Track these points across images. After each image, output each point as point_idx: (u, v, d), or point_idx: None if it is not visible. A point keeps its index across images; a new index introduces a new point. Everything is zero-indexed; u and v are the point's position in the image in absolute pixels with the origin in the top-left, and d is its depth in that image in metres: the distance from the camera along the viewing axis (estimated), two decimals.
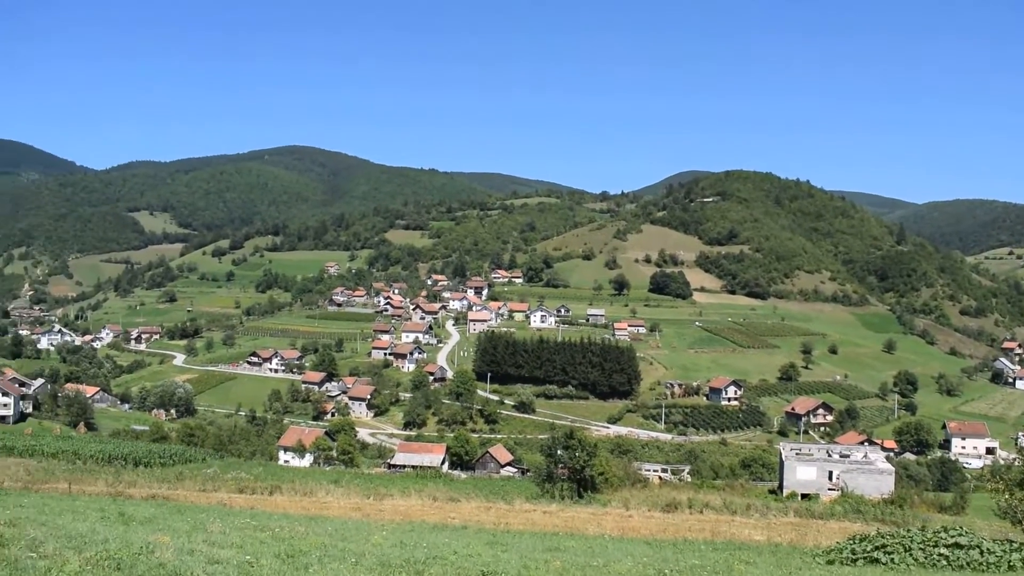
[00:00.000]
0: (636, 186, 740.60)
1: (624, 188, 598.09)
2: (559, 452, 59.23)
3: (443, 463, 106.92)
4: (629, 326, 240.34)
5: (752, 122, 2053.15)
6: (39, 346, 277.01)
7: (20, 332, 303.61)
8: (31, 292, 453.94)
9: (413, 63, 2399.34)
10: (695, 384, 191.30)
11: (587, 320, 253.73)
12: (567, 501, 48.21)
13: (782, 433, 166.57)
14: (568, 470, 57.51)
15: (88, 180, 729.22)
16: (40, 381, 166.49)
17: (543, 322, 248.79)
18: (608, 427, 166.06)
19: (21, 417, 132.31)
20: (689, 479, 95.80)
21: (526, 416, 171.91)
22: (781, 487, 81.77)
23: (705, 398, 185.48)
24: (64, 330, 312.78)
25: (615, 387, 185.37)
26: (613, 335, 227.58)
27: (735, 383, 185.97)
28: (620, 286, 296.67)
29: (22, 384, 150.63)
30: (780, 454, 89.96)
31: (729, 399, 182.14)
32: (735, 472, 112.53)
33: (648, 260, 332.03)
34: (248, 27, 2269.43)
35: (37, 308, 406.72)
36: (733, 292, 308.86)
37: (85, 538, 15.22)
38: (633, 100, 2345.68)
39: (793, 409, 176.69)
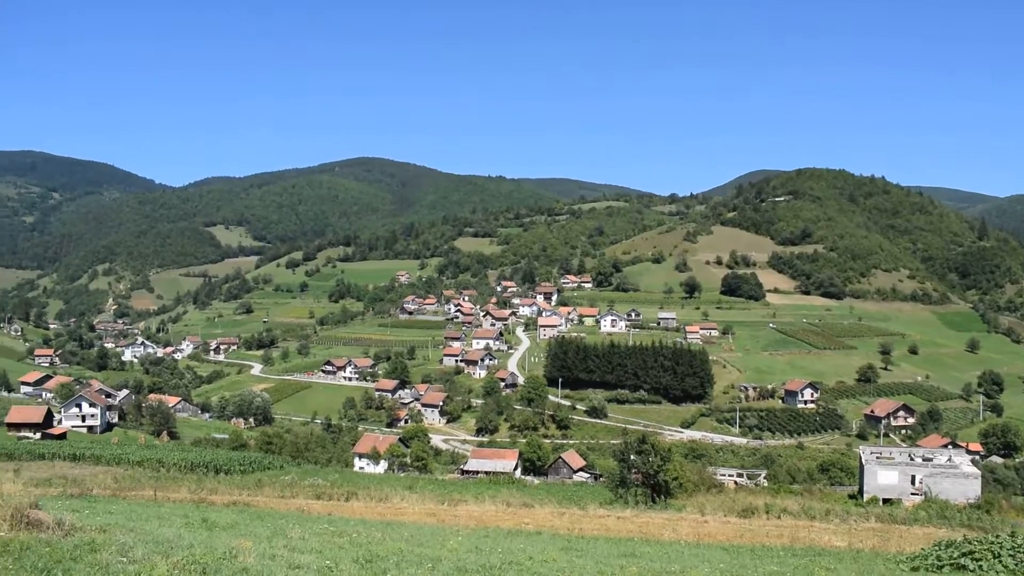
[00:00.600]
0: (705, 187, 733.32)
1: (693, 190, 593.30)
2: (632, 457, 58.71)
3: (516, 469, 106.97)
4: (701, 329, 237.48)
5: (824, 120, 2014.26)
6: (123, 358, 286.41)
7: (105, 345, 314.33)
8: (115, 306, 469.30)
9: (480, 72, 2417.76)
10: (770, 387, 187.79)
11: (658, 324, 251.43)
12: (641, 506, 47.80)
13: (861, 436, 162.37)
14: (642, 475, 57.00)
15: (166, 197, 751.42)
16: (125, 392, 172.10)
17: (613, 326, 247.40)
18: (681, 432, 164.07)
19: (108, 427, 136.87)
20: (765, 484, 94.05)
21: (598, 421, 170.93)
22: (861, 492, 79.66)
23: (780, 401, 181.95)
24: (147, 342, 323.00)
25: (688, 391, 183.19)
26: (685, 338, 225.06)
27: (811, 385, 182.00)
28: (691, 289, 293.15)
29: (108, 395, 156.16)
30: (860, 458, 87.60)
31: (805, 402, 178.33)
32: (813, 477, 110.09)
33: (719, 262, 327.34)
34: (316, 39, 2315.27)
35: (121, 322, 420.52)
36: (807, 292, 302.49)
37: (171, 543, 15.71)
38: (701, 102, 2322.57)
39: (872, 412, 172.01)
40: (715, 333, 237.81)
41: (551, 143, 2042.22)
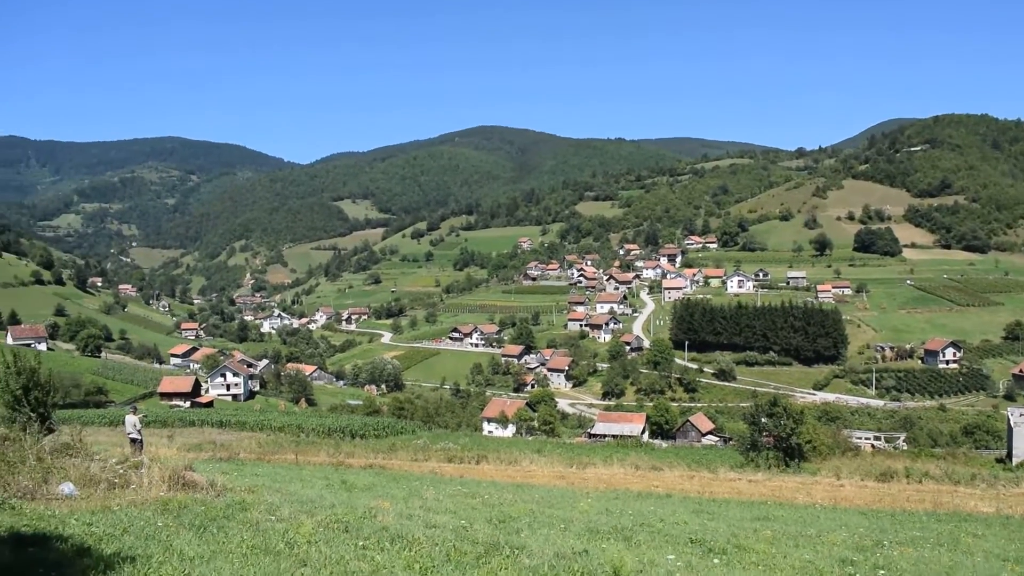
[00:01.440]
0: (834, 140, 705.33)
1: (821, 143, 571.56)
2: (763, 420, 57.45)
3: (643, 432, 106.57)
4: (833, 287, 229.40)
5: (963, 60, 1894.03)
6: (262, 330, 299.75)
7: (245, 318, 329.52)
8: (252, 281, 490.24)
9: (599, 37, 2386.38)
10: (908, 346, 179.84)
11: (787, 283, 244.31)
12: (773, 470, 46.85)
13: (1009, 397, 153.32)
14: (773, 438, 55.75)
15: (295, 174, 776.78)
16: (265, 362, 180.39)
17: (740, 287, 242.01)
18: (814, 394, 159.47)
19: (250, 395, 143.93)
20: (905, 447, 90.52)
21: (726, 384, 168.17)
22: (1010, 455, 75.56)
23: (920, 361, 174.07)
24: (283, 314, 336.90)
25: (820, 352, 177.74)
26: (816, 298, 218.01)
27: (954, 344, 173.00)
28: (821, 246, 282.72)
29: (250, 365, 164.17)
30: (1008, 420, 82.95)
31: (947, 362, 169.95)
32: (956, 440, 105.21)
33: (851, 217, 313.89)
34: (436, 14, 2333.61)
35: (258, 295, 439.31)
36: (948, 247, 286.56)
37: (315, 503, 16.50)
38: (827, 52, 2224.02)
39: (1021, 371, 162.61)
40: (848, 291, 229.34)
41: (672, 103, 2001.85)
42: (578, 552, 12.83)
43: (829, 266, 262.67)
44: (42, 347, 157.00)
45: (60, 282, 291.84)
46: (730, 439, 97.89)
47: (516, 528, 15.90)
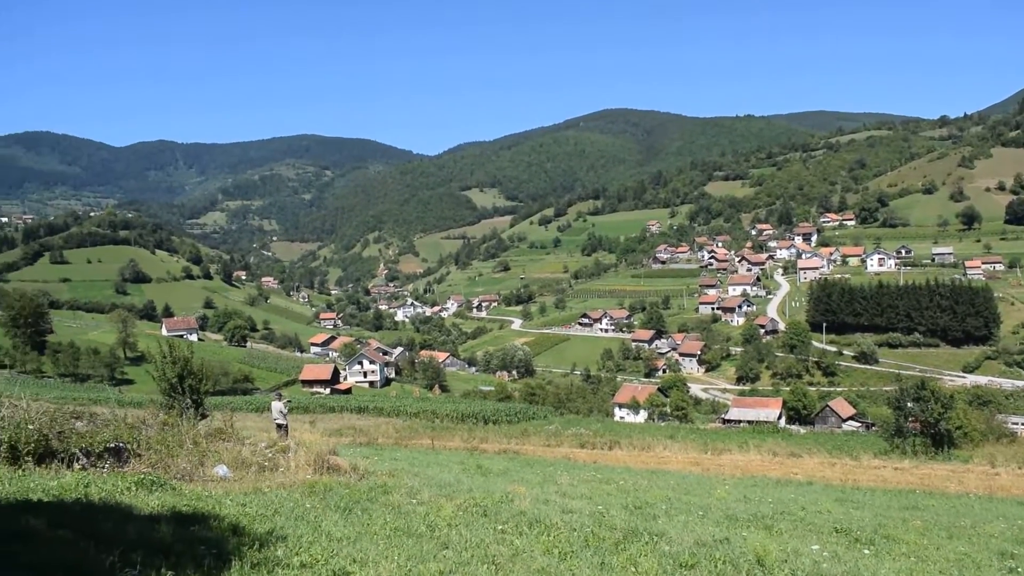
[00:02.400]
0: (980, 105, 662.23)
1: (966, 109, 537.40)
2: (909, 404, 54.88)
3: (779, 417, 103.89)
4: (983, 263, 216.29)
5: None
6: (396, 318, 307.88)
7: (380, 307, 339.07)
8: (385, 271, 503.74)
9: (723, 14, 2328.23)
10: None
11: (932, 260, 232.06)
12: (920, 457, 44.72)
13: None
14: (920, 424, 53.20)
15: (424, 166, 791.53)
16: (399, 349, 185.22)
17: (881, 265, 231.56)
18: (964, 376, 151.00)
19: (386, 382, 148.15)
20: None
21: (867, 367, 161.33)
22: None
23: None
24: (415, 303, 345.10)
25: (970, 332, 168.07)
26: (964, 274, 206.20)
27: None
28: (969, 220, 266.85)
29: (385, 353, 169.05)
30: None
31: None
32: None
33: (1002, 188, 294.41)
34: None
35: (392, 285, 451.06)
36: None
37: (452, 487, 16.82)
38: (969, 11, 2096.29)
39: None
40: (1000, 267, 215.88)
41: (802, 76, 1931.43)
42: (718, 540, 12.60)
43: (978, 240, 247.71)
44: (193, 338, 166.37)
45: (208, 276, 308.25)
46: (873, 425, 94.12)
47: (653, 514, 15.74)
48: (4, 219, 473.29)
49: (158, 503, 11.73)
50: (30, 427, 14.49)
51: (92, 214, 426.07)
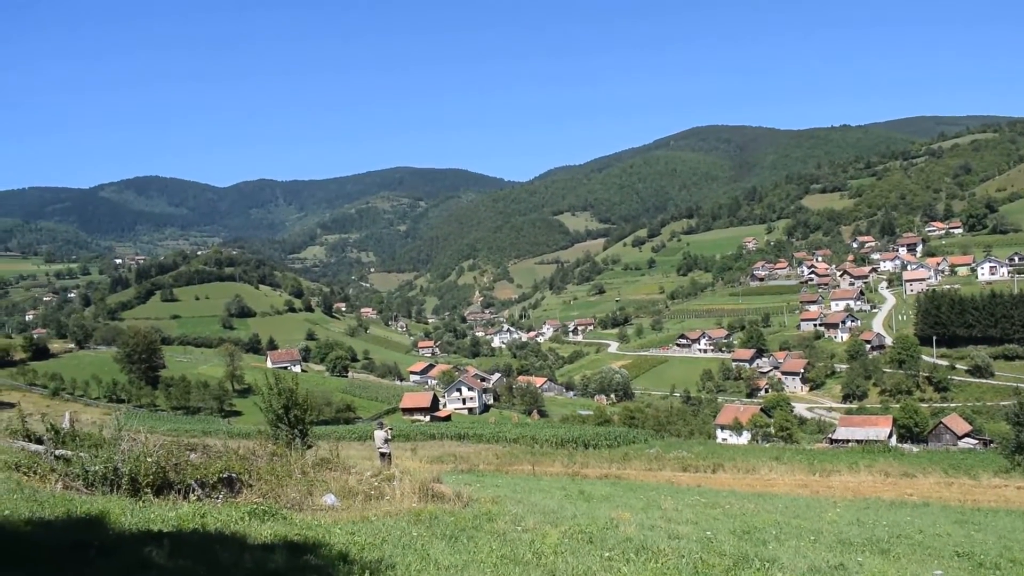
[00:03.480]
0: None
1: None
2: None
3: (890, 436, 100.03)
4: None
5: None
6: (493, 345, 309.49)
7: (476, 334, 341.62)
8: (481, 298, 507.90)
9: (814, 27, 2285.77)
10: None
11: None
12: None
13: None
14: None
15: (516, 193, 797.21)
16: (497, 376, 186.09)
17: (993, 274, 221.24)
18: None
19: (485, 408, 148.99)
20: None
21: (983, 381, 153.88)
22: None
23: None
24: (511, 329, 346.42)
25: None
26: None
27: None
28: None
29: (483, 379, 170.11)
30: None
31: None
32: None
33: None
34: (638, 18, 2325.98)
35: (487, 311, 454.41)
36: None
37: (556, 514, 16.74)
38: None
39: None
40: None
41: (902, 81, 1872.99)
42: (833, 566, 12.19)
43: None
44: (297, 369, 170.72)
45: (310, 309, 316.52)
46: (991, 442, 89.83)
47: (763, 539, 15.34)
48: (119, 260, 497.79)
49: (271, 532, 12.04)
50: (149, 460, 15.09)
51: (199, 253, 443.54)
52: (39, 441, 17.28)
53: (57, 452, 15.79)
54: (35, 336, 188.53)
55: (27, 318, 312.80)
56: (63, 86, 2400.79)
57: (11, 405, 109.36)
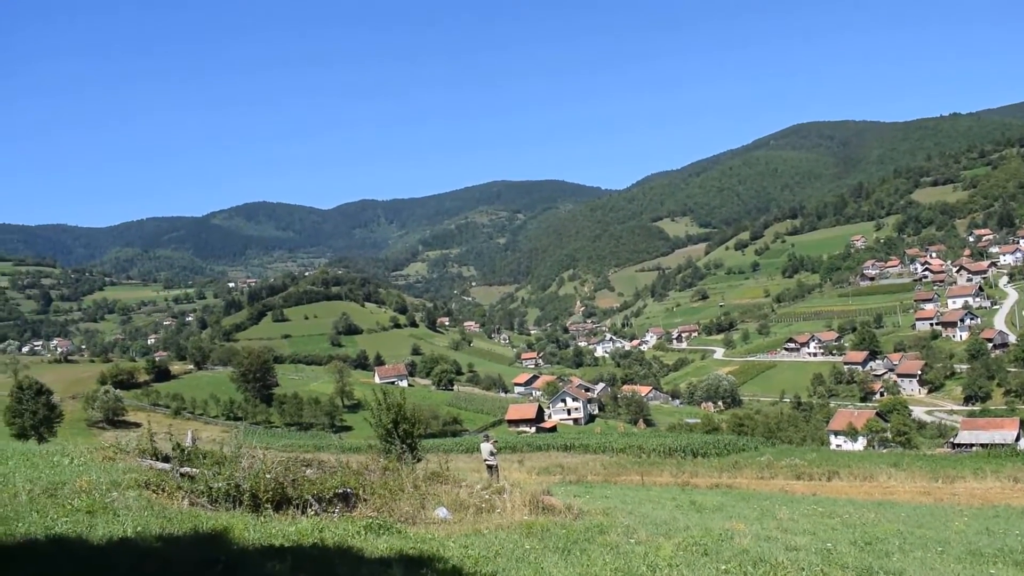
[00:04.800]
0: None
1: None
2: None
3: (1018, 439, 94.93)
4: None
5: None
6: (596, 354, 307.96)
7: (579, 344, 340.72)
8: (582, 308, 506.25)
9: (921, 15, 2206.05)
10: None
11: None
12: None
13: None
14: None
15: (613, 200, 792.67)
16: (601, 385, 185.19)
17: None
18: None
19: (590, 418, 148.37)
20: None
21: None
22: None
23: None
24: (614, 337, 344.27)
25: None
26: None
27: None
28: None
29: (587, 389, 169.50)
30: None
31: None
32: None
33: None
34: (736, 14, 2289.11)
35: (589, 321, 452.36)
36: None
37: (668, 525, 16.53)
38: None
39: None
40: None
41: (1014, 63, 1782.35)
42: None
43: None
44: (404, 383, 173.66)
45: (414, 324, 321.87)
46: None
47: (885, 551, 14.80)
48: (232, 284, 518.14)
49: (386, 546, 12.27)
50: (268, 476, 15.61)
51: (306, 274, 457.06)
52: (165, 459, 18.05)
53: (182, 470, 16.46)
54: (157, 359, 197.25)
55: (149, 342, 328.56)
56: (177, 123, 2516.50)
57: (137, 425, 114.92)
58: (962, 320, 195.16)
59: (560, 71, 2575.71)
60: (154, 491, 14.92)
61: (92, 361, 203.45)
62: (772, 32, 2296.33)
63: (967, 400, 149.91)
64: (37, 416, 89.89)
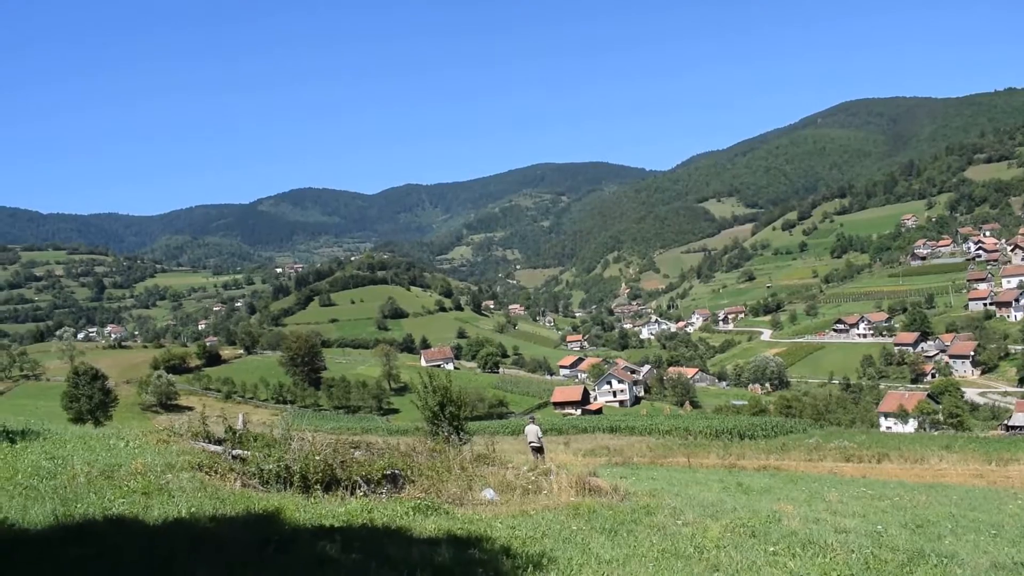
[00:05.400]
0: None
1: None
2: None
3: None
4: None
5: None
6: (641, 336, 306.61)
7: (624, 326, 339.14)
8: (627, 290, 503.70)
9: None
10: None
11: None
12: None
13: None
14: None
15: (658, 182, 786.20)
16: (647, 367, 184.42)
17: None
18: None
19: (636, 400, 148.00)
20: None
21: None
22: None
23: None
24: (660, 319, 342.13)
25: None
26: None
27: None
28: None
29: (633, 371, 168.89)
30: None
31: None
32: None
33: None
34: None
35: (634, 303, 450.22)
36: None
37: (715, 507, 16.44)
38: None
39: None
40: None
41: None
42: (1019, 563, 11.48)
43: None
44: (449, 367, 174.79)
45: (459, 308, 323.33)
46: None
47: (937, 534, 14.61)
48: (279, 269, 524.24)
49: (434, 527, 12.41)
50: (317, 458, 15.84)
51: (352, 258, 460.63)
52: (218, 442, 18.42)
53: (234, 452, 16.79)
54: (208, 344, 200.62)
55: (200, 327, 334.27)
56: (221, 109, 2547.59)
57: (189, 408, 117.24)
58: (1017, 300, 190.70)
59: (602, 50, 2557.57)
60: (207, 473, 15.23)
61: (145, 347, 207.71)
62: (820, 9, 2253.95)
63: (1021, 382, 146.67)
64: (93, 401, 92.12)
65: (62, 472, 13.93)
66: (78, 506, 11.36)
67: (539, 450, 25.62)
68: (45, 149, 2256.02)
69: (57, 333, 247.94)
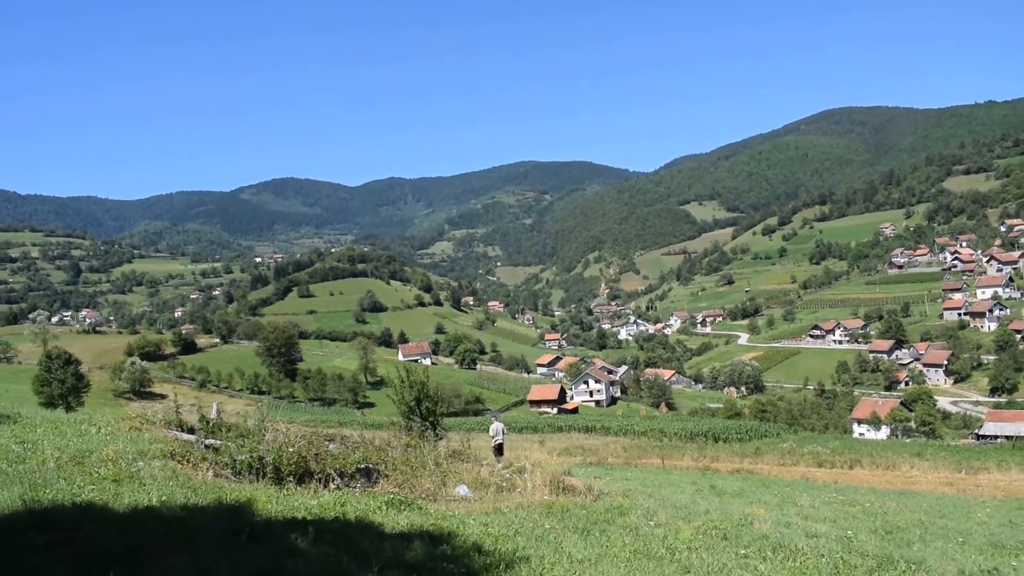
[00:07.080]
0: None
1: None
2: None
3: None
4: None
5: None
6: (619, 337, 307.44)
7: (603, 326, 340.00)
8: (607, 290, 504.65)
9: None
10: None
11: None
12: None
13: None
14: None
15: (641, 183, 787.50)
16: (624, 368, 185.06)
17: None
18: None
19: (612, 401, 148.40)
20: None
21: None
22: None
23: None
24: (638, 321, 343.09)
25: None
26: None
27: None
28: None
29: (610, 372, 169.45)
30: None
31: None
32: None
33: None
34: None
35: (613, 304, 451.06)
36: None
37: (688, 509, 16.54)
38: None
39: None
40: None
41: None
42: (985, 570, 11.61)
43: None
44: (427, 362, 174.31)
45: (438, 303, 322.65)
46: None
47: (907, 540, 14.74)
48: (259, 259, 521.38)
49: (407, 522, 12.38)
50: (291, 450, 15.75)
51: (333, 250, 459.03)
52: (191, 431, 18.27)
53: (207, 442, 16.66)
54: (183, 332, 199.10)
55: (176, 314, 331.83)
56: (205, 95, 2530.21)
57: (163, 396, 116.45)
58: (991, 311, 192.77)
59: (590, 44, 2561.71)
60: (179, 462, 15.11)
61: (120, 332, 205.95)
62: (803, 15, 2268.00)
63: (993, 391, 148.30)
64: (65, 385, 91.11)
65: (31, 457, 13.77)
66: (47, 491, 11.23)
67: (499, 449, 25.16)
68: (24, 129, 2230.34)
69: (31, 316, 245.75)
